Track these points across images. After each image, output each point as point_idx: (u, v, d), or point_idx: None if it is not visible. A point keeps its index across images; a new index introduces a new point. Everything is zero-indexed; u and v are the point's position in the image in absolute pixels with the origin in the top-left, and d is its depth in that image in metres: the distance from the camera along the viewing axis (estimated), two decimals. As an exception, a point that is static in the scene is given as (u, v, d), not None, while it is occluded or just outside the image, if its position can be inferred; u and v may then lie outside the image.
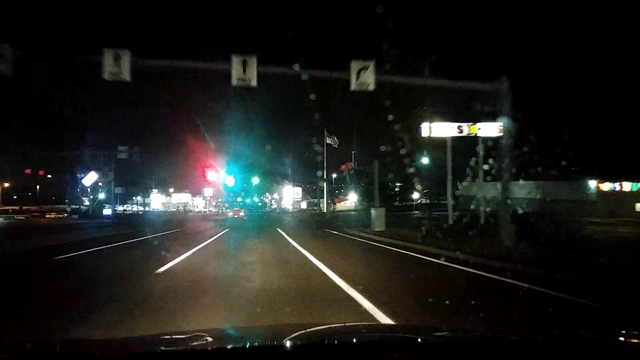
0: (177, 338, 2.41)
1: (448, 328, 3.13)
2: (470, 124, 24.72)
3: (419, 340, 2.11)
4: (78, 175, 53.43)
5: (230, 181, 41.36)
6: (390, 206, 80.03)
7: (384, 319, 5.19)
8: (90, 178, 52.96)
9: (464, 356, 1.82)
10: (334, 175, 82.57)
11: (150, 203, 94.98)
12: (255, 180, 43.35)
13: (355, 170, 32.16)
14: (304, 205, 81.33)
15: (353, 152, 31.93)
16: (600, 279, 7.08)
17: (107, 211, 53.38)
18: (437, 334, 2.35)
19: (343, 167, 32.81)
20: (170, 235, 21.93)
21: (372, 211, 22.52)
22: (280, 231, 23.20)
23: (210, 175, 40.28)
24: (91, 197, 68.44)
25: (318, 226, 31.06)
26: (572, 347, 1.89)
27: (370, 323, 4.75)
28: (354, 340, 2.13)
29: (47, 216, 67.66)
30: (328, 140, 77.59)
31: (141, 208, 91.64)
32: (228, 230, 24.72)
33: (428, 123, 25.08)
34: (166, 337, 2.53)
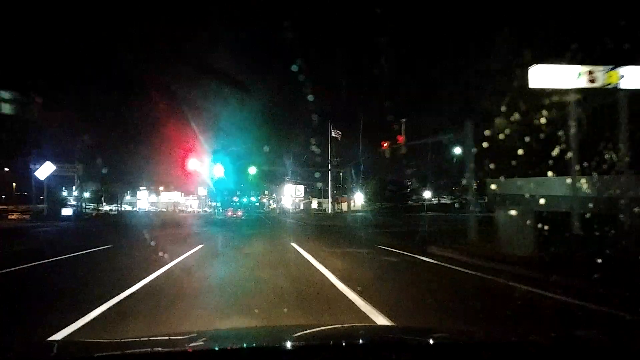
0: (175, 339, 2.29)
1: (446, 329, 2.93)
2: (608, 67, 14.34)
3: (417, 341, 2.04)
4: (31, 166, 41.19)
5: (219, 170, 29.14)
6: (405, 206, 68.66)
7: None
8: (45, 170, 40.73)
9: (463, 357, 1.73)
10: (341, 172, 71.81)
11: (136, 202, 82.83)
12: (253, 170, 31.26)
13: (406, 146, 19.95)
14: (314, 204, 69.30)
15: (403, 120, 19.58)
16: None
17: (66, 211, 41.02)
18: (435, 335, 2.23)
19: (385, 144, 20.35)
20: (86, 260, 10.18)
21: (503, 214, 10.50)
22: (306, 255, 11.11)
23: (192, 163, 28.04)
24: (77, 194, 56.16)
25: (352, 236, 19.03)
26: (571, 349, 1.80)
27: (367, 324, 4.35)
28: (352, 341, 2.02)
29: (9, 217, 55.70)
30: (333, 134, 66.88)
31: (128, 208, 79.50)
32: (203, 249, 12.68)
33: (541, 66, 14.09)
34: (164, 338, 2.44)
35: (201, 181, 54.99)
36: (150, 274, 7.53)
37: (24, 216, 50.66)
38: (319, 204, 68.77)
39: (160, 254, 10.81)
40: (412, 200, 76.20)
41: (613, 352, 1.77)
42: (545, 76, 14.74)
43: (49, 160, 41.00)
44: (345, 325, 3.89)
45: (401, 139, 19.77)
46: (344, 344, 1.89)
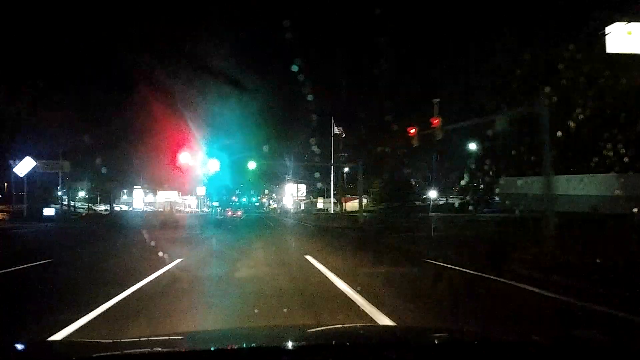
0: (175, 339, 2.19)
1: (447, 329, 2.71)
2: None
3: (418, 341, 1.97)
4: (10, 162, 37.03)
5: (214, 165, 25.13)
6: (411, 206, 64.78)
7: None
8: (24, 166, 36.64)
9: (463, 357, 1.67)
10: (346, 170, 68.24)
11: (132, 202, 78.77)
12: (252, 164, 27.10)
13: (443, 130, 15.81)
14: (320, 204, 65.54)
15: (437, 100, 15.25)
16: None
17: (48, 211, 36.80)
18: (436, 335, 2.17)
19: (413, 130, 16.08)
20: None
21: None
22: (337, 280, 7.06)
23: (184, 157, 24.07)
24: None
25: (378, 244, 15.15)
26: (571, 349, 1.73)
27: (368, 324, 4.10)
28: (353, 341, 1.94)
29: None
30: (336, 130, 63.18)
31: (124, 207, 75.42)
32: (179, 267, 8.68)
33: (623, 24, 11.89)
34: (164, 338, 2.30)
35: (197, 178, 51.06)
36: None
37: (4, 216, 46.51)
38: (324, 203, 64.99)
39: (107, 278, 6.78)
40: (419, 200, 72.31)
41: (613, 352, 1.70)
42: (627, 38, 11.08)
43: (30, 156, 36.95)
44: (346, 325, 3.68)
45: (436, 121, 15.72)
46: (346, 344, 1.84)
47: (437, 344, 1.83)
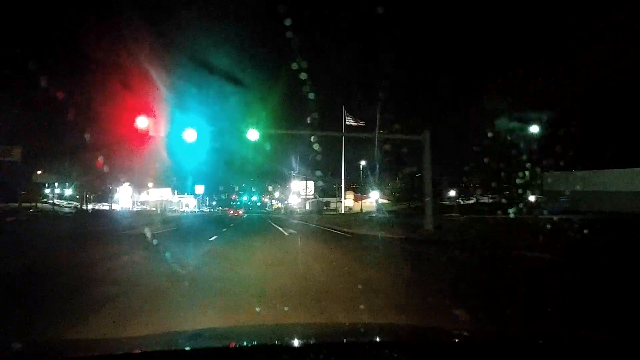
0: (177, 338, 2.09)
1: (449, 328, 2.55)
2: None
3: (416, 340, 1.88)
4: None
5: (191, 135, 13.45)
6: (435, 206, 53.81)
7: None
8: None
9: (463, 356, 1.61)
10: (363, 162, 58.21)
11: (118, 199, 67.64)
12: (254, 134, 15.66)
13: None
14: (348, 202, 55.12)
15: None
16: None
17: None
18: (436, 334, 2.08)
19: None
20: None
21: None
22: None
23: (141, 122, 12.59)
24: None
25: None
26: (571, 347, 1.68)
27: (368, 322, 3.85)
28: (354, 340, 1.86)
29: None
30: (349, 121, 54.04)
31: (116, 206, 64.47)
32: None
33: None
34: (165, 336, 2.25)
35: (195, 177, 39.90)
36: None
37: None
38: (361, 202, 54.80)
39: None
40: (444, 199, 61.53)
41: (615, 350, 1.61)
42: None
43: None
44: (347, 323, 3.56)
45: None
46: (348, 342, 1.77)
47: (437, 343, 1.75)
